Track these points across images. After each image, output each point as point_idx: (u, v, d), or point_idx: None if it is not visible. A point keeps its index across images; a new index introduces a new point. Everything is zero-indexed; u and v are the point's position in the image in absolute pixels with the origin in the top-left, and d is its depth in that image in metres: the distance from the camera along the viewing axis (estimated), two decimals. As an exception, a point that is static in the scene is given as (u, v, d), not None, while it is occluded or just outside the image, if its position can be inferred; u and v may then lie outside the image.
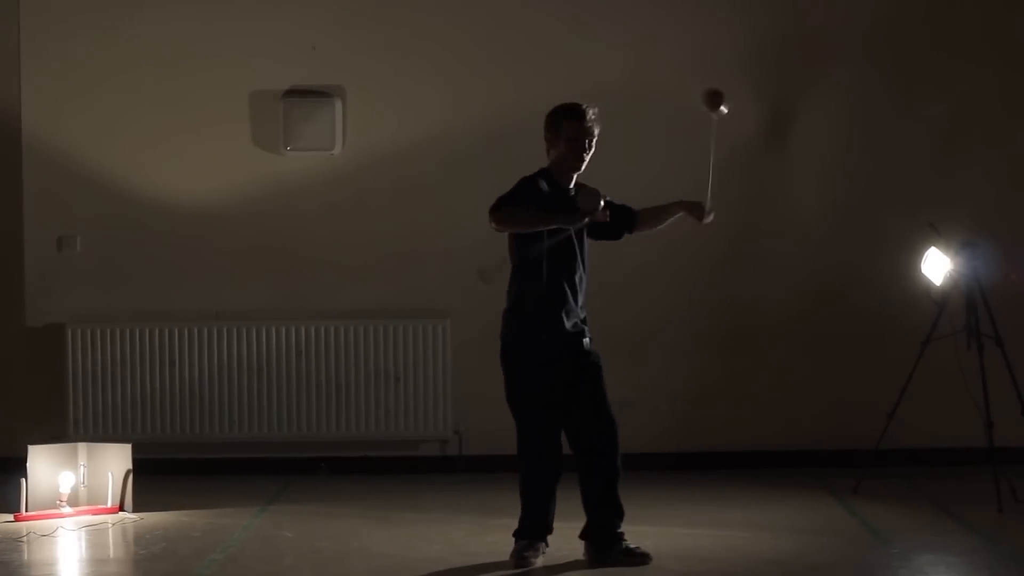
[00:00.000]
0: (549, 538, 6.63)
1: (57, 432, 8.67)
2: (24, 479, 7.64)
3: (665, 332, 8.93)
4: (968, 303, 7.92)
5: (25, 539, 7.16)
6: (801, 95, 8.96)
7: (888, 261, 8.74)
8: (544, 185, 6.51)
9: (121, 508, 7.76)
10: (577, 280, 6.56)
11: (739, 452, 8.96)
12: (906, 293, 8.46)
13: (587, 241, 6.64)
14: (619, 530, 6.58)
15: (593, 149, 6.55)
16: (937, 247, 8.03)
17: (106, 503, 7.77)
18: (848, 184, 8.97)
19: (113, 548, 7.14)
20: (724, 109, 6.64)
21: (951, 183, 8.92)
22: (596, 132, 6.56)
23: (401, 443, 8.97)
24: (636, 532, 6.98)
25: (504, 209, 6.42)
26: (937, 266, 8.03)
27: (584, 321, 6.60)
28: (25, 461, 7.72)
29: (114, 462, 7.80)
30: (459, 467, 8.93)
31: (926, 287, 8.11)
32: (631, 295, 8.86)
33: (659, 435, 8.85)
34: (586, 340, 6.56)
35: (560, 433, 6.56)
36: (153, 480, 8.10)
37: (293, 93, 8.88)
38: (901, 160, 8.97)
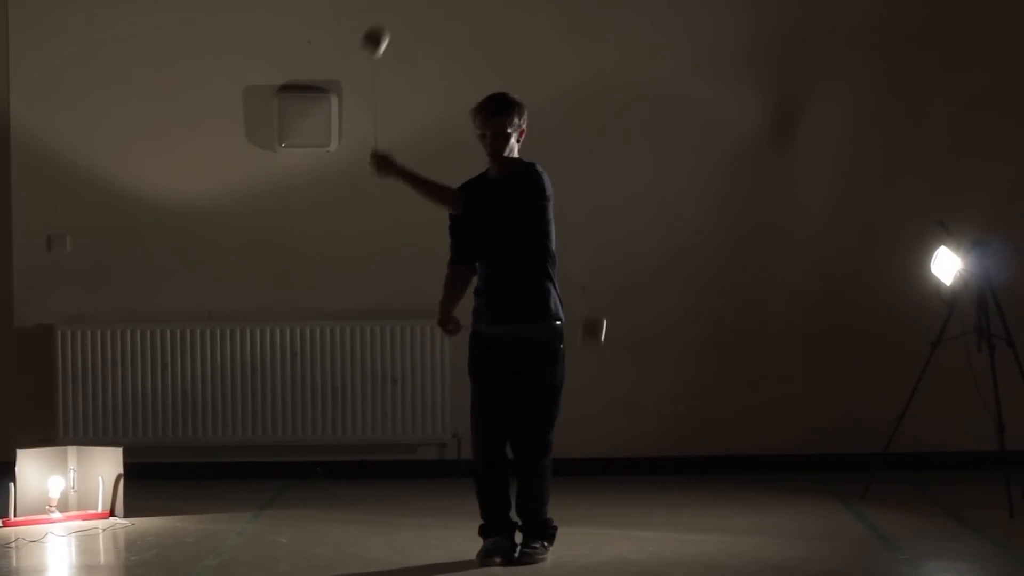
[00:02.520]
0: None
1: (46, 435, 8.62)
2: (12, 483, 7.59)
3: (669, 333, 8.85)
4: (979, 303, 7.86)
5: (13, 545, 7.10)
6: (808, 91, 8.90)
7: (897, 261, 8.67)
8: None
9: (112, 513, 7.69)
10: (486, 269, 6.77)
11: (744, 456, 8.89)
12: (915, 293, 8.40)
13: (509, 231, 6.66)
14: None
15: (492, 141, 6.56)
16: (947, 246, 7.96)
17: (97, 508, 7.70)
18: (856, 182, 8.89)
19: (104, 554, 7.09)
20: (381, 49, 6.63)
21: (961, 181, 8.84)
22: (483, 125, 6.56)
23: (398, 447, 8.90)
24: (639, 537, 7.01)
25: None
26: (947, 266, 7.95)
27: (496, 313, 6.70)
28: (13, 465, 7.67)
29: (105, 466, 7.74)
30: (458, 471, 8.83)
31: (936, 287, 8.04)
32: (635, 295, 8.81)
33: (662, 438, 8.79)
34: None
35: (491, 426, 6.58)
36: (145, 484, 8.03)
37: (288, 88, 8.81)
38: (910, 158, 8.90)
